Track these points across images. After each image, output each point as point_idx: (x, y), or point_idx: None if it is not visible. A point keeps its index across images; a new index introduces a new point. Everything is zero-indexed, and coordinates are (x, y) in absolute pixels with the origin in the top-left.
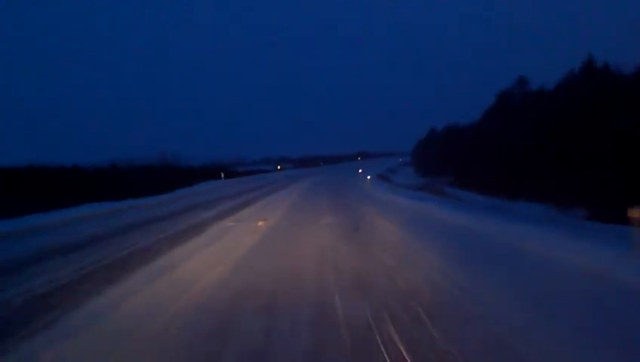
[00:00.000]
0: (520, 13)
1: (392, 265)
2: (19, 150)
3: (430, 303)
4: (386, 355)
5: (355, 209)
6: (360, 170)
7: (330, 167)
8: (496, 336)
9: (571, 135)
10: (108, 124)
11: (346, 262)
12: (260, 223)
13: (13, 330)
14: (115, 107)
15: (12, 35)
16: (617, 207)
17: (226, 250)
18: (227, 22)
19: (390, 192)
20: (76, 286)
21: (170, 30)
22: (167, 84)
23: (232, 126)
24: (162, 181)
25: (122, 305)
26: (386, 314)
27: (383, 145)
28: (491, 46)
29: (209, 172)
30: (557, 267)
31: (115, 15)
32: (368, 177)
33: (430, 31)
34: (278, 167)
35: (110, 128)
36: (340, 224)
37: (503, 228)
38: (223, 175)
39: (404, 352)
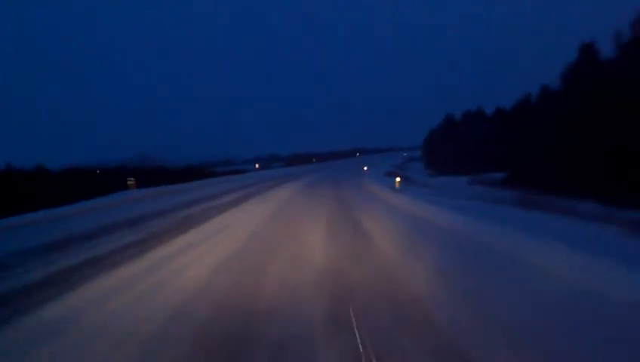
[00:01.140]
0: (519, 14)
1: None
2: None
3: None
4: None
5: None
6: (365, 168)
7: (326, 165)
8: None
9: None
10: (100, 123)
11: None
12: None
13: None
14: (107, 106)
15: None
16: None
17: None
18: (225, 21)
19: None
20: None
21: (166, 28)
22: (161, 83)
23: (226, 124)
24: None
25: None
26: None
27: (380, 141)
28: (489, 47)
29: (186, 172)
30: None
31: (107, 13)
32: (397, 179)
33: (427, 30)
34: (256, 166)
35: (103, 127)
36: None
37: None
38: (132, 183)
39: None
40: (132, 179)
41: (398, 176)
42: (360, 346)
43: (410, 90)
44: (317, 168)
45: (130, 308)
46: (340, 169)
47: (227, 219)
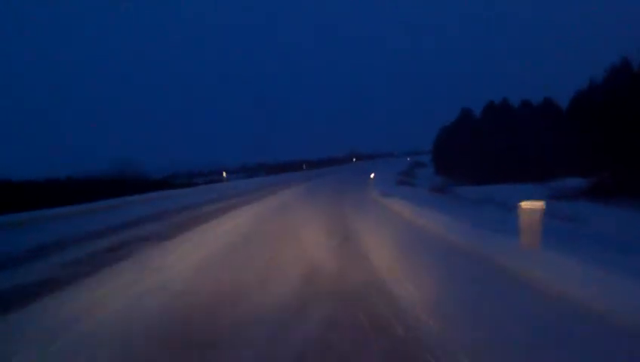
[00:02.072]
0: (518, 14)
1: None
2: None
3: None
4: None
5: None
6: (372, 175)
7: (319, 173)
8: None
9: None
10: (88, 129)
11: None
12: None
13: None
14: (95, 111)
15: None
16: None
17: None
18: (215, 20)
19: None
20: None
21: (155, 26)
22: (149, 89)
23: (219, 131)
24: None
25: None
26: None
27: (376, 146)
28: (490, 47)
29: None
30: None
31: (89, 11)
32: (540, 205)
33: (424, 29)
34: (224, 174)
35: (93, 133)
36: None
37: None
38: None
39: None
40: None
41: (538, 203)
42: None
43: (407, 93)
44: (308, 176)
45: None
46: (338, 177)
47: None
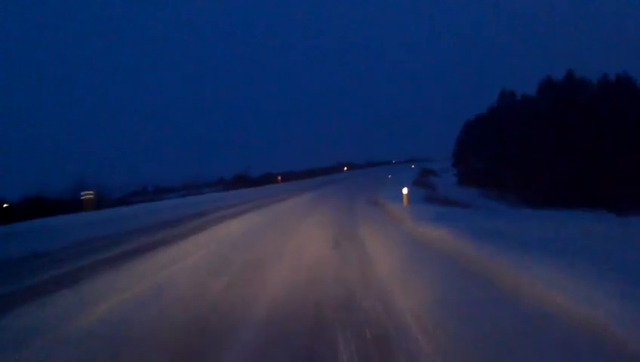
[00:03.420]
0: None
1: None
2: None
3: None
4: None
5: None
6: (405, 190)
7: (296, 186)
8: None
9: None
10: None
11: None
12: None
13: None
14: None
15: None
16: None
17: None
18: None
19: None
20: None
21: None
22: (133, 95)
23: (193, 144)
24: None
25: None
26: None
27: (365, 155)
28: (489, 45)
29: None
30: None
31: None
32: None
33: (409, 30)
34: (89, 195)
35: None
36: None
37: None
38: None
39: None
40: None
41: None
42: None
43: (403, 97)
44: (276, 194)
45: None
46: (334, 191)
47: None
